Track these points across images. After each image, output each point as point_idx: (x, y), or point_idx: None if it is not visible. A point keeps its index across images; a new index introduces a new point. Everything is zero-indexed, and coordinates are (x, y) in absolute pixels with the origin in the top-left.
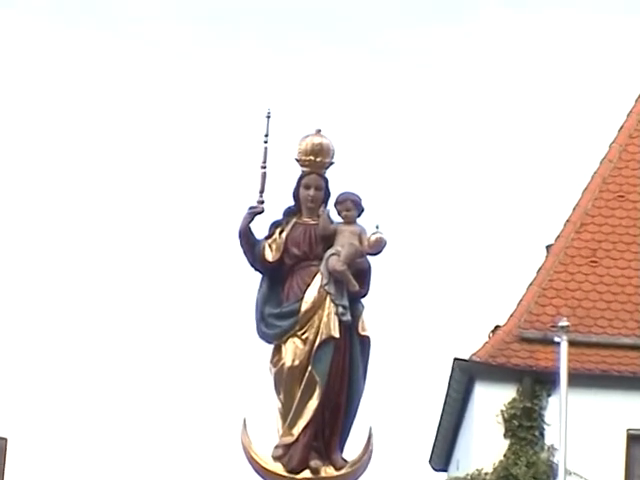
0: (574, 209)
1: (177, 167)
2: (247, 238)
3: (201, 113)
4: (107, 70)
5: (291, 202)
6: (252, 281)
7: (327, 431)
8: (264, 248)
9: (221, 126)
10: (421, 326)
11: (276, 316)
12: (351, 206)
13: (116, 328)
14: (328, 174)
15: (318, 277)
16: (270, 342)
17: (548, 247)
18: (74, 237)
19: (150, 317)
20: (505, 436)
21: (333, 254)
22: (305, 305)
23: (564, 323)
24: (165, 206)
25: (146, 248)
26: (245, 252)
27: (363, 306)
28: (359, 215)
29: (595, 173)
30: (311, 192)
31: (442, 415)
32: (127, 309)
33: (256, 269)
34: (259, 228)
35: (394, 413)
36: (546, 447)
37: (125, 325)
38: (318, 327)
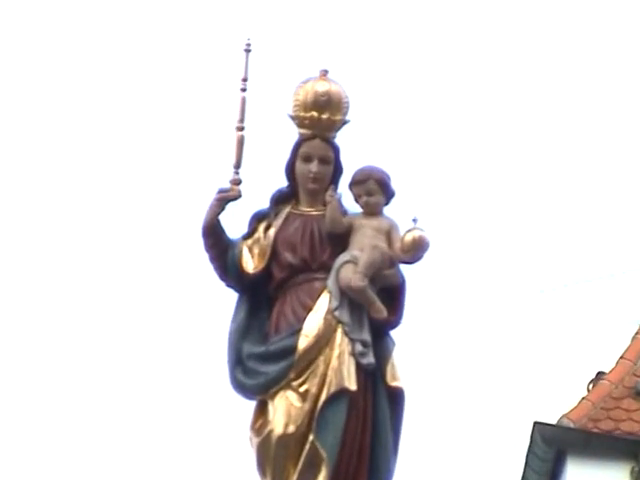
0: None
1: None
2: (215, 238)
3: (148, 40)
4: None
5: (283, 182)
6: (225, 302)
7: None
8: (241, 253)
9: (177, 64)
10: (486, 374)
11: (260, 358)
12: (375, 188)
13: None
14: (340, 139)
15: (324, 298)
16: (251, 397)
17: None
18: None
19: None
20: None
21: (348, 262)
22: (304, 341)
23: None
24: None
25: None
26: (212, 259)
27: (394, 343)
28: (387, 202)
29: None
30: (314, 167)
31: None
32: None
33: (229, 285)
34: (235, 222)
35: None
36: None
37: None
38: (324, 375)
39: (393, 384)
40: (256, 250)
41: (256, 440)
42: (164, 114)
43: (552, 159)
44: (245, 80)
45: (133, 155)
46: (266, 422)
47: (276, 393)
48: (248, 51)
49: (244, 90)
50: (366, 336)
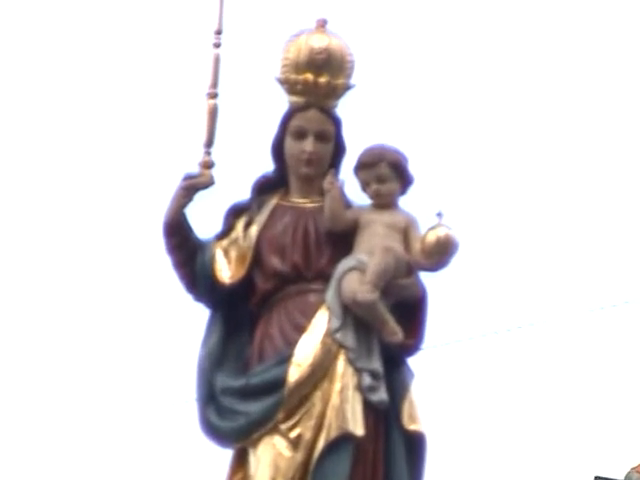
0: None
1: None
2: (180, 237)
3: None
4: None
5: (269, 165)
6: (194, 319)
7: None
8: (214, 258)
9: (133, 12)
10: (533, 415)
11: (239, 393)
12: (388, 173)
13: None
14: (342, 110)
15: (322, 316)
16: (227, 444)
17: None
18: None
19: None
20: None
21: (353, 269)
22: (296, 371)
23: None
24: None
25: None
26: (177, 265)
27: (412, 374)
28: (404, 191)
29: None
30: (308, 145)
31: None
32: None
33: (199, 298)
34: (206, 218)
35: None
36: None
37: None
38: (322, 415)
39: (411, 427)
40: (234, 254)
41: None
42: (113, 77)
43: (610, 173)
44: (219, 33)
45: (72, 128)
46: (247, 477)
47: (260, 439)
48: None
49: (218, 46)
50: (376, 365)
